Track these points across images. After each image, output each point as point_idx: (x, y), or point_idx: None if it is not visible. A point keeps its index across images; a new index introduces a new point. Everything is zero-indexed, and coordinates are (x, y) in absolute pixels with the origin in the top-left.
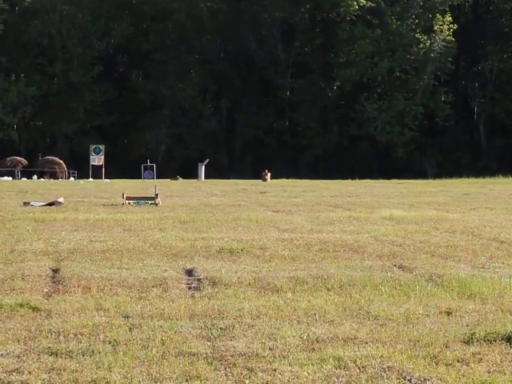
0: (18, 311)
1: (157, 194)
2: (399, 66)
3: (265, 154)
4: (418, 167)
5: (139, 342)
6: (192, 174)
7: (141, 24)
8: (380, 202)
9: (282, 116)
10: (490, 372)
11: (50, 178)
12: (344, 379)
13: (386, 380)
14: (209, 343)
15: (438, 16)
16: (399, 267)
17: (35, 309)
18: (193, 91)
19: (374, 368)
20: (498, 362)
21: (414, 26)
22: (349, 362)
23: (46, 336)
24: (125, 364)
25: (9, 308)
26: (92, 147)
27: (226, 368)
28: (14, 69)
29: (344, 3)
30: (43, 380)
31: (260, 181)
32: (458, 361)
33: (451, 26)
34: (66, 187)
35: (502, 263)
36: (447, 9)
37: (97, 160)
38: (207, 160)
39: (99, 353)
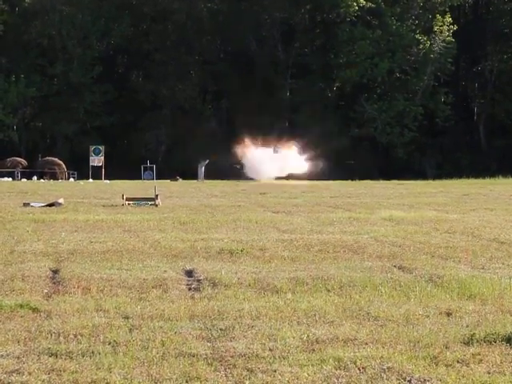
0: (17, 312)
1: (157, 195)
2: (399, 66)
3: None
4: (417, 168)
5: (139, 342)
6: (192, 175)
7: (141, 24)
8: (380, 203)
9: (282, 116)
10: (490, 373)
11: (50, 178)
12: (344, 380)
13: (385, 381)
14: (209, 344)
15: (438, 17)
16: (399, 268)
17: (35, 310)
18: (193, 92)
19: (374, 369)
20: (498, 362)
21: (413, 27)
22: (349, 362)
23: (45, 337)
24: (125, 365)
25: (9, 309)
26: (92, 148)
27: (225, 369)
28: (14, 69)
29: (344, 4)
30: (43, 381)
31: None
32: (458, 362)
33: (451, 26)
34: (66, 188)
35: (502, 264)
36: (447, 9)
37: (96, 161)
38: (207, 161)
39: (99, 354)
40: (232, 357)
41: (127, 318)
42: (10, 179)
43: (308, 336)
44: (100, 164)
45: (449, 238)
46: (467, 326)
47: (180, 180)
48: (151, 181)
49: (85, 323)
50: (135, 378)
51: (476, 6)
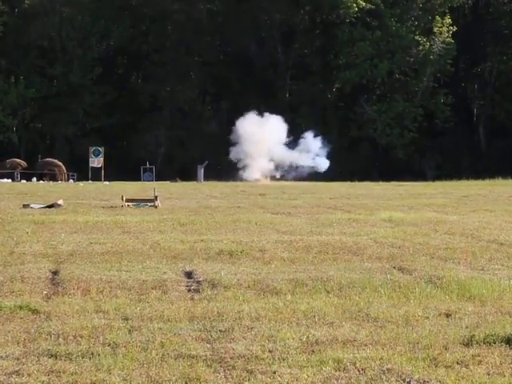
0: (17, 313)
1: (156, 196)
2: (399, 67)
3: None
4: (417, 169)
5: (139, 344)
6: (191, 176)
7: (140, 26)
8: (379, 204)
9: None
10: (489, 374)
11: (50, 180)
12: (343, 381)
13: (385, 382)
14: (208, 345)
15: (438, 18)
16: (398, 269)
17: (35, 311)
18: (192, 93)
19: (374, 370)
20: (498, 364)
21: (413, 28)
22: (348, 364)
23: (45, 338)
24: (124, 366)
25: (8, 310)
26: (91, 149)
27: (225, 370)
28: (14, 71)
29: (344, 5)
30: (43, 382)
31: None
32: (458, 363)
33: (451, 27)
34: (66, 189)
35: (502, 265)
36: (447, 11)
37: (96, 162)
38: (206, 162)
39: (99, 355)
40: (231, 358)
41: (127, 319)
42: (10, 180)
43: (307, 337)
44: (99, 165)
45: (448, 240)
46: (467, 327)
47: (179, 181)
48: (151, 182)
49: (84, 324)
50: (135, 379)
51: (475, 7)
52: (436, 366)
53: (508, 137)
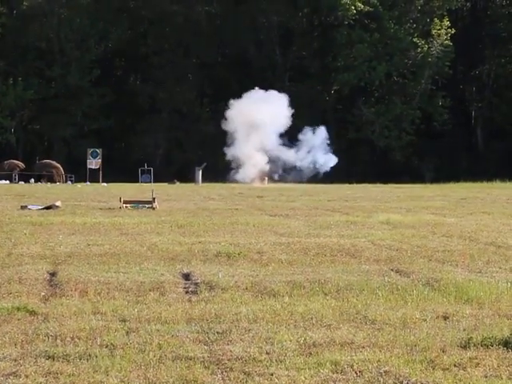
0: (14, 315)
1: (154, 198)
2: (397, 70)
3: None
4: (415, 171)
5: (136, 345)
6: (189, 178)
7: (139, 28)
8: (377, 207)
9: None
10: (486, 377)
11: (48, 181)
12: None
13: None
14: (206, 347)
15: (436, 20)
16: (396, 271)
17: (32, 312)
18: (190, 95)
19: (371, 372)
20: (495, 366)
21: (411, 31)
22: (346, 366)
23: (42, 340)
24: (122, 368)
25: (6, 311)
26: (89, 151)
27: (222, 372)
28: (12, 72)
29: (342, 7)
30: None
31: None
32: (455, 365)
33: (449, 30)
34: (64, 191)
35: (499, 268)
36: (445, 13)
37: (94, 164)
38: (205, 164)
39: (96, 357)
40: (229, 360)
41: (124, 320)
42: (8, 182)
43: (305, 339)
44: (97, 167)
45: (446, 242)
46: (464, 330)
47: (177, 183)
48: (149, 184)
49: (82, 326)
50: (132, 381)
51: (474, 10)
52: (433, 369)
53: (506, 139)
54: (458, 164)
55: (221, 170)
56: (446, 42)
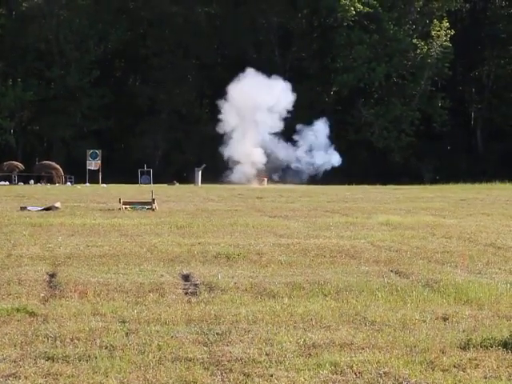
0: (14, 316)
1: (153, 199)
2: (396, 71)
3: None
4: (415, 172)
5: (136, 347)
6: (189, 179)
7: (138, 29)
8: (377, 208)
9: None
10: (486, 378)
11: (47, 182)
12: None
13: None
14: (205, 348)
15: (436, 22)
16: (396, 273)
17: (32, 313)
18: (190, 96)
19: (371, 373)
20: (495, 367)
21: (411, 32)
22: (345, 367)
23: (42, 341)
24: (121, 369)
25: (5, 313)
26: (89, 152)
27: (222, 373)
28: (11, 73)
29: (341, 8)
30: None
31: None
32: (455, 366)
33: (448, 31)
34: (63, 192)
35: (499, 269)
36: (444, 14)
37: (93, 165)
38: (204, 165)
39: (96, 358)
40: (229, 361)
41: (124, 322)
42: (7, 183)
43: (305, 341)
44: (97, 168)
45: (445, 243)
46: (464, 331)
47: (177, 184)
48: (148, 185)
49: (81, 327)
50: (132, 382)
51: (473, 11)
52: (433, 370)
53: (505, 140)
54: (457, 165)
55: (220, 170)
56: (446, 43)
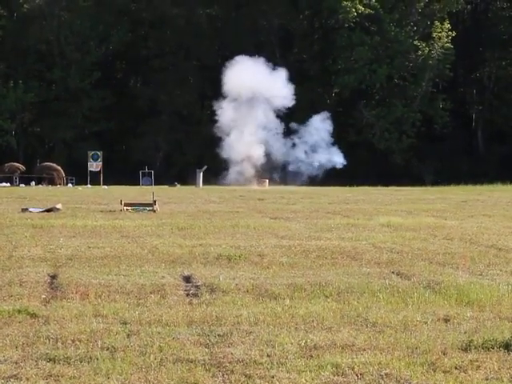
0: (15, 317)
1: (155, 201)
2: (398, 72)
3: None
4: (416, 174)
5: (137, 348)
6: (190, 181)
7: (139, 30)
8: (378, 209)
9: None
10: (487, 379)
11: (48, 184)
12: None
13: None
14: (207, 350)
15: (437, 23)
16: (397, 274)
17: (33, 315)
18: (191, 97)
19: (372, 375)
20: (496, 369)
21: (412, 33)
22: (347, 369)
23: (43, 342)
24: (123, 370)
25: (6, 314)
26: (90, 153)
27: (223, 375)
28: (12, 75)
29: (342, 10)
30: None
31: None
32: (456, 368)
33: (450, 33)
34: (64, 193)
35: (500, 270)
36: (446, 16)
37: (95, 166)
38: (205, 167)
39: (97, 359)
40: (230, 363)
41: (125, 323)
42: (8, 184)
43: (306, 342)
44: (98, 169)
45: (447, 245)
46: (465, 333)
47: (178, 186)
48: (149, 186)
49: (83, 329)
50: (133, 383)
51: (474, 13)
52: (434, 371)
53: (506, 142)
54: (458, 166)
55: (221, 172)
56: (447, 44)
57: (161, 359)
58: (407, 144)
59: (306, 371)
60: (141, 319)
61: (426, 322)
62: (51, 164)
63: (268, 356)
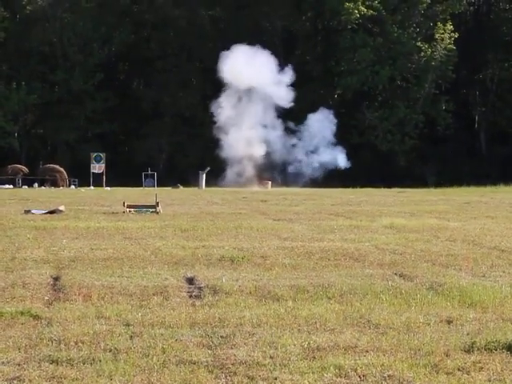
0: (18, 319)
1: (158, 202)
2: (400, 74)
3: None
4: (418, 175)
5: (140, 350)
6: (193, 182)
7: (142, 32)
8: (381, 211)
9: (282, 123)
10: (490, 381)
11: (51, 185)
12: None
13: None
14: (209, 351)
15: (439, 24)
16: (400, 276)
17: (36, 317)
18: (194, 99)
19: (375, 376)
20: (499, 370)
21: (415, 35)
22: (349, 370)
23: (46, 344)
24: (125, 372)
25: (9, 316)
26: (93, 155)
27: (226, 376)
28: (15, 76)
29: (345, 11)
30: None
31: (262, 189)
32: (459, 369)
33: (452, 34)
34: (67, 195)
35: (503, 272)
36: (448, 17)
37: (97, 168)
38: (208, 168)
39: (100, 361)
40: (233, 364)
41: (128, 325)
42: (11, 186)
43: (309, 343)
44: (101, 171)
45: (450, 246)
46: (468, 334)
47: (181, 187)
48: (152, 188)
49: (86, 330)
50: None
51: (477, 14)
52: (437, 373)
53: (509, 143)
54: (461, 168)
55: (221, 173)
56: (450, 46)
57: (164, 361)
58: (410, 145)
59: (309, 373)
60: (144, 321)
61: (428, 324)
62: (54, 166)
63: (271, 357)
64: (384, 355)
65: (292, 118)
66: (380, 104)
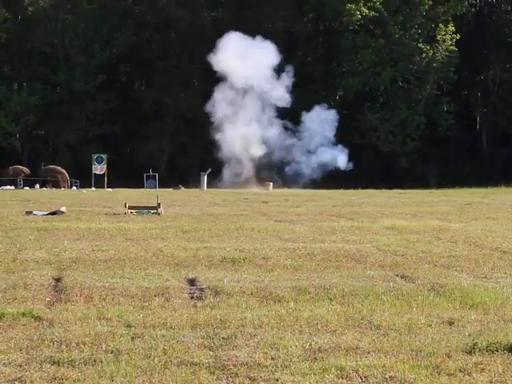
0: (20, 320)
1: (159, 204)
2: (402, 75)
3: None
4: (420, 176)
5: (141, 351)
6: (194, 184)
7: (143, 33)
8: (382, 212)
9: (284, 125)
10: (492, 382)
11: (53, 187)
12: None
13: None
14: (211, 353)
15: (441, 26)
16: (401, 277)
17: (37, 318)
18: (195, 100)
19: (376, 378)
20: (500, 372)
21: (416, 36)
22: (351, 371)
23: (48, 345)
24: (127, 373)
25: (11, 317)
26: (94, 156)
27: (228, 377)
28: (17, 77)
29: (347, 13)
30: None
31: (262, 190)
32: (460, 371)
33: (454, 35)
34: (69, 196)
35: (505, 273)
36: (450, 19)
37: (99, 169)
38: (209, 169)
39: (101, 362)
40: (234, 365)
41: (129, 326)
42: (13, 187)
43: (310, 345)
44: (102, 172)
45: (451, 247)
46: (469, 335)
47: (182, 189)
48: (154, 189)
49: (87, 331)
50: None
51: (479, 16)
52: (439, 374)
53: (511, 144)
54: (462, 169)
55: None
56: (451, 47)
57: (165, 362)
58: (411, 147)
59: (311, 374)
60: (145, 322)
61: (430, 325)
62: (55, 167)
63: (272, 359)
64: (385, 356)
65: (292, 118)
66: (381, 105)
